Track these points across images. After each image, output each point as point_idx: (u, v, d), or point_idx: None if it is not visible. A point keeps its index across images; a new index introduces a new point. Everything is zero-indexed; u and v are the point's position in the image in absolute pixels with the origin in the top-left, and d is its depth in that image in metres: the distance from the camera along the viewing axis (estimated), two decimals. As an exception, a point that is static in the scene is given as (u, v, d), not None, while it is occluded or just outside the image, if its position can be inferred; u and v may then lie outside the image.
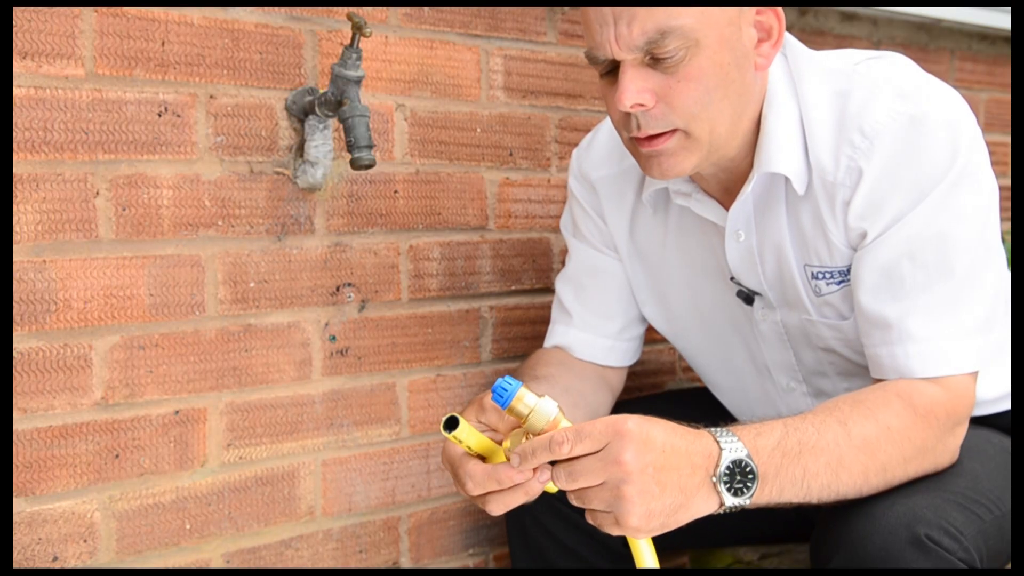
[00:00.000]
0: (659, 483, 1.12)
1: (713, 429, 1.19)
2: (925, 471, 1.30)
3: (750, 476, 1.17)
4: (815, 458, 1.21)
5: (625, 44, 1.28)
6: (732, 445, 1.17)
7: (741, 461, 1.16)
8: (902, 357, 1.32)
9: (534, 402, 1.15)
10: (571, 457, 1.12)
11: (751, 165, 1.41)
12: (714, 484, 1.16)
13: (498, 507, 1.19)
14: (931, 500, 1.25)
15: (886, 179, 1.33)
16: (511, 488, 1.17)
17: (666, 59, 1.28)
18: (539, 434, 1.15)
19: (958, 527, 1.23)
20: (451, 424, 1.17)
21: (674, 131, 1.32)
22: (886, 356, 1.34)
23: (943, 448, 1.32)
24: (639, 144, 1.34)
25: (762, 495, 1.18)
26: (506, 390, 1.14)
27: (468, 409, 1.25)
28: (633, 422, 1.12)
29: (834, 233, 1.38)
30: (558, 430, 1.13)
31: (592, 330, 1.64)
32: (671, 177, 1.36)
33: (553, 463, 1.15)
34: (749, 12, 1.32)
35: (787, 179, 1.39)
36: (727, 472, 1.16)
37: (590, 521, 1.16)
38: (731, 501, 1.16)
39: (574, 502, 1.15)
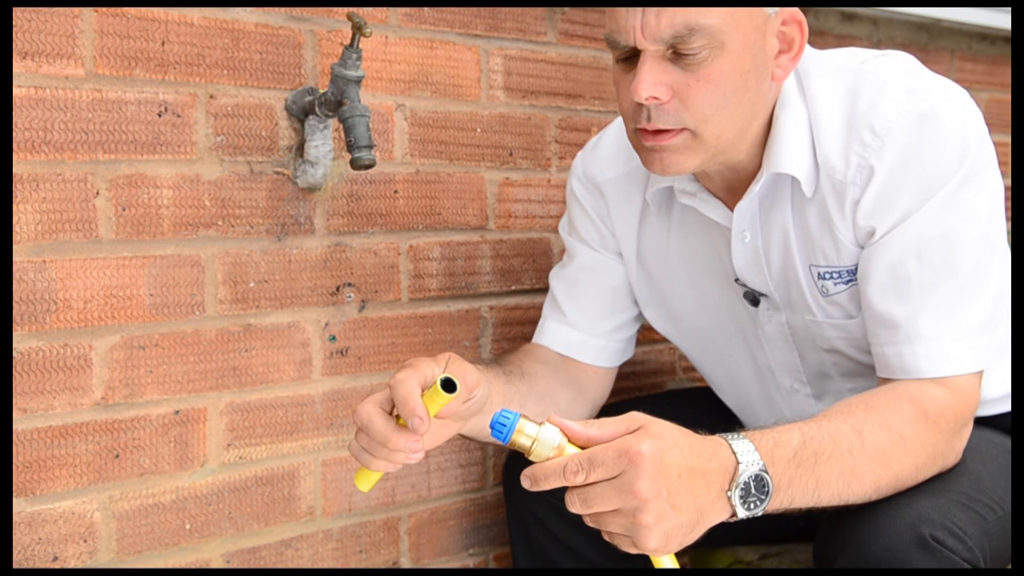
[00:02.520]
0: (674, 506, 1.10)
1: (731, 438, 1.17)
2: (933, 474, 1.31)
3: (765, 490, 1.16)
4: (829, 468, 1.21)
5: (651, 34, 1.26)
6: (749, 458, 1.15)
7: (757, 475, 1.15)
8: (910, 357, 1.32)
9: (535, 432, 1.12)
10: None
11: (759, 165, 1.40)
12: (728, 498, 1.15)
13: (376, 463, 1.22)
14: (935, 501, 1.25)
15: (896, 177, 1.32)
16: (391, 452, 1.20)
17: (688, 56, 1.26)
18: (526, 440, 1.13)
19: (962, 527, 1.23)
20: (449, 386, 1.15)
21: (682, 129, 1.31)
22: (893, 356, 1.34)
23: (950, 450, 1.32)
24: (644, 137, 1.33)
25: (772, 504, 1.18)
26: (504, 425, 1.12)
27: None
28: (647, 446, 1.09)
29: (843, 232, 1.38)
30: (571, 457, 1.10)
31: (583, 329, 1.62)
32: (671, 174, 1.35)
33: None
34: (775, 21, 1.31)
35: (793, 180, 1.39)
36: (743, 488, 1.15)
37: (607, 540, 1.15)
38: (743, 514, 1.16)
39: (589, 523, 1.13)
